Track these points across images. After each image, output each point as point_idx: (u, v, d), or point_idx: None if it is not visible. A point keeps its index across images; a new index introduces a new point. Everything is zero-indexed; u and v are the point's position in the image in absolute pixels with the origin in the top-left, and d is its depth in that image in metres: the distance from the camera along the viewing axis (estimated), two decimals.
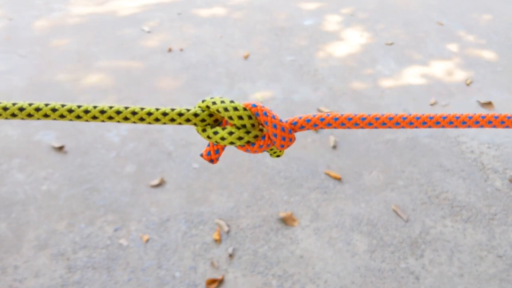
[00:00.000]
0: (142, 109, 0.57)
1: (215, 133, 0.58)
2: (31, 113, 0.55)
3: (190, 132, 2.38)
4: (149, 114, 0.57)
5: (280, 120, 0.58)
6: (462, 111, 2.77)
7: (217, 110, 0.57)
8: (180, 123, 0.58)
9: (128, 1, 4.01)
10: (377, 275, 1.72)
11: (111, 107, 0.56)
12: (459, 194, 2.08)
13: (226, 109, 0.57)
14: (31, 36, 3.35)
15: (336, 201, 2.02)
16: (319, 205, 2.00)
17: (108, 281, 1.67)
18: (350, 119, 0.59)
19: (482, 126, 0.60)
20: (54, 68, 2.95)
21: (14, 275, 1.67)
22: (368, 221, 1.94)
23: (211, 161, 0.61)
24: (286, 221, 1.91)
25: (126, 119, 0.57)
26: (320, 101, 2.71)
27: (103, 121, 0.56)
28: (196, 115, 0.58)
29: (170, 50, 3.21)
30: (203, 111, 0.58)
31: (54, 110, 0.55)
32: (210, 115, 0.59)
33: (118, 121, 0.56)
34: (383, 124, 0.59)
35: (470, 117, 0.60)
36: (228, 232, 1.86)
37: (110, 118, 0.56)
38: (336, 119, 0.59)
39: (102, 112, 0.56)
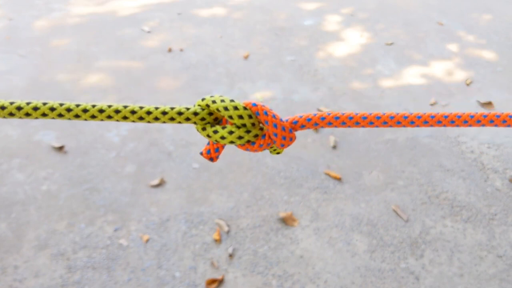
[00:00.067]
0: (141, 108, 0.56)
1: (215, 132, 0.58)
2: (29, 112, 0.54)
3: (190, 132, 2.38)
4: (149, 113, 0.56)
5: (281, 120, 0.58)
6: (462, 111, 2.78)
7: (217, 109, 0.57)
8: (179, 122, 0.57)
9: (128, 1, 4.01)
10: (377, 275, 1.72)
11: (110, 106, 0.56)
12: (459, 194, 2.08)
13: (226, 108, 0.56)
14: (31, 36, 3.35)
15: (336, 201, 2.02)
16: (319, 205, 2.00)
17: (108, 281, 1.67)
18: (351, 118, 0.59)
19: (483, 125, 0.60)
20: (54, 68, 2.95)
21: (14, 275, 1.67)
22: (368, 221, 1.94)
23: (211, 159, 0.60)
24: (286, 221, 1.91)
25: (125, 118, 0.56)
26: (320, 101, 2.71)
27: (102, 120, 0.55)
28: (195, 113, 0.57)
29: (170, 50, 3.21)
30: (203, 109, 0.58)
31: (52, 109, 0.54)
32: (210, 113, 0.58)
33: (117, 120, 0.56)
34: (384, 123, 0.59)
35: (472, 116, 0.60)
36: (228, 232, 1.86)
37: (109, 117, 0.56)
38: (337, 118, 0.59)
39: (101, 111, 0.55)
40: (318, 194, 2.05)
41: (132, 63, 3.04)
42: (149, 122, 0.57)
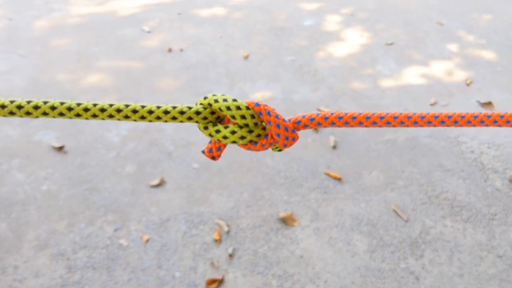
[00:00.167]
0: (143, 107, 0.56)
1: (217, 131, 0.57)
2: (30, 111, 0.53)
3: (190, 132, 2.38)
4: (150, 112, 0.56)
5: (283, 120, 0.58)
6: (462, 111, 2.78)
7: (219, 109, 0.56)
8: (181, 121, 0.57)
9: (128, 1, 4.01)
10: (377, 275, 1.72)
11: (111, 105, 0.55)
12: (459, 194, 2.08)
13: (228, 108, 0.56)
14: (31, 36, 3.35)
15: (336, 201, 2.02)
16: (319, 205, 2.00)
17: (108, 281, 1.67)
18: (354, 118, 0.59)
19: (487, 126, 0.59)
20: (54, 68, 2.95)
21: (14, 275, 1.67)
22: (368, 221, 1.94)
23: (213, 158, 0.60)
24: (286, 221, 1.91)
25: (126, 117, 0.55)
26: (320, 101, 2.71)
27: (103, 119, 0.55)
28: (197, 113, 0.57)
29: (170, 50, 3.21)
30: (205, 108, 0.57)
31: (53, 108, 0.54)
32: (212, 112, 0.58)
33: (119, 119, 0.55)
34: (388, 123, 0.58)
35: (476, 116, 0.59)
36: (228, 232, 1.86)
37: (111, 116, 0.55)
38: (340, 118, 0.59)
39: (102, 110, 0.55)
40: (318, 194, 2.05)
41: (132, 63, 3.04)
42: (150, 121, 0.56)
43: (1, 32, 3.41)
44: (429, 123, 0.59)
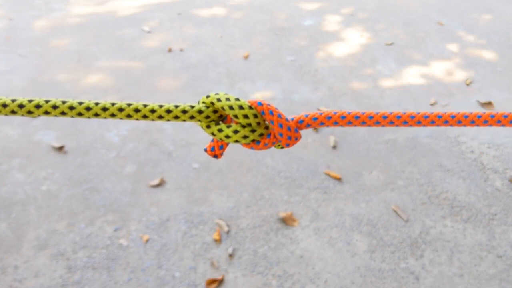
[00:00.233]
0: (145, 106, 0.55)
1: (220, 130, 0.57)
2: (32, 110, 0.53)
3: (190, 132, 2.38)
4: (153, 111, 0.55)
5: (286, 119, 0.57)
6: (462, 111, 2.78)
7: (222, 108, 0.56)
8: (184, 120, 0.56)
9: (128, 1, 4.01)
10: (377, 275, 1.72)
11: (113, 104, 0.54)
12: (459, 194, 2.08)
13: (231, 107, 0.55)
14: (31, 36, 3.35)
15: (336, 201, 2.02)
16: (319, 205, 2.00)
17: (108, 281, 1.67)
18: (357, 117, 0.58)
19: (491, 125, 0.59)
20: (54, 68, 2.95)
21: (14, 275, 1.67)
22: (368, 221, 1.94)
23: (215, 156, 0.60)
24: (286, 221, 1.91)
25: (129, 116, 0.55)
26: (320, 101, 2.71)
27: (105, 118, 0.54)
28: (200, 111, 0.57)
29: (170, 50, 3.21)
30: (208, 107, 0.57)
31: (55, 107, 0.53)
32: (215, 111, 0.57)
33: (121, 118, 0.55)
34: (391, 123, 0.58)
35: (480, 116, 0.59)
36: (228, 232, 1.86)
37: (113, 115, 0.54)
38: (343, 117, 0.58)
39: (104, 109, 0.54)
40: (318, 194, 2.05)
41: (132, 63, 3.04)
42: (153, 120, 0.56)
43: (1, 32, 3.41)
44: (432, 122, 0.59)
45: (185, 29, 3.54)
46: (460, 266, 1.76)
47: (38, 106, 0.53)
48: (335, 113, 0.59)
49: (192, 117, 0.56)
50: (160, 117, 0.56)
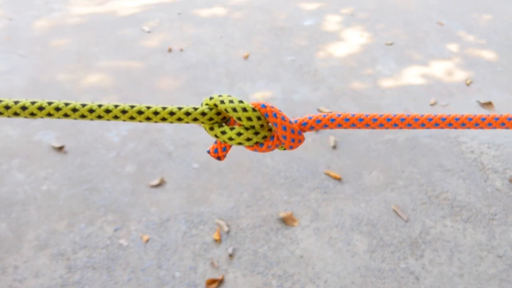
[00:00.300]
0: (148, 108, 0.55)
1: (223, 132, 0.57)
2: (34, 112, 0.53)
3: (190, 132, 2.38)
4: (156, 113, 0.55)
5: (290, 122, 0.57)
6: (462, 111, 2.78)
7: (225, 110, 0.56)
8: (187, 122, 0.56)
9: (128, 1, 4.01)
10: (377, 275, 1.72)
11: (116, 106, 0.54)
12: (459, 194, 2.08)
13: (234, 110, 0.55)
14: (31, 36, 3.35)
15: (336, 201, 2.02)
16: (319, 205, 2.00)
17: (108, 281, 1.67)
18: (361, 119, 0.58)
19: (495, 128, 0.59)
20: (54, 68, 2.95)
21: (14, 275, 1.67)
22: (368, 221, 1.94)
23: (218, 158, 0.60)
24: (286, 221, 1.91)
25: (132, 118, 0.54)
26: (320, 101, 2.71)
27: (108, 120, 0.54)
28: (203, 114, 0.56)
29: (170, 50, 3.21)
30: (211, 109, 0.57)
31: (57, 109, 0.53)
32: (218, 113, 0.57)
33: (124, 120, 0.54)
34: (395, 125, 0.58)
35: (484, 119, 0.59)
36: (228, 232, 1.86)
37: (116, 117, 0.54)
38: (347, 119, 0.58)
39: (107, 111, 0.54)
40: (318, 194, 2.05)
41: (132, 63, 3.04)
42: (156, 122, 0.56)
43: (1, 32, 3.41)
44: (436, 125, 0.58)
45: (185, 29, 3.54)
46: (460, 266, 1.76)
47: (41, 108, 0.53)
48: (339, 115, 0.58)
49: (195, 119, 0.56)
50: (164, 119, 0.55)
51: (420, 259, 1.78)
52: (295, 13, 3.87)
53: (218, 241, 1.82)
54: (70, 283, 1.66)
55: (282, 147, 0.60)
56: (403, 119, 0.58)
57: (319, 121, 0.59)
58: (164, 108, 0.55)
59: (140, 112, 0.55)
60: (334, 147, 2.33)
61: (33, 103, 0.53)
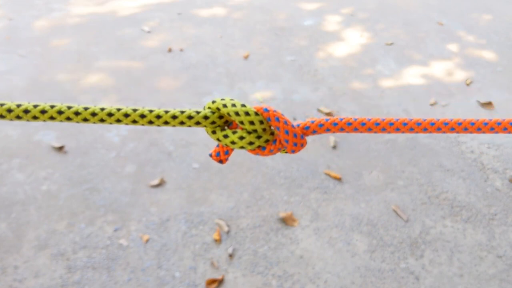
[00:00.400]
0: (151, 111, 0.55)
1: (225, 136, 0.57)
2: (37, 115, 0.53)
3: (190, 132, 2.38)
4: (158, 117, 0.55)
5: (292, 126, 0.57)
6: (462, 111, 2.78)
7: (228, 114, 0.56)
8: (189, 126, 0.56)
9: (128, 1, 4.01)
10: (377, 275, 1.72)
11: (119, 110, 0.54)
12: (459, 194, 2.08)
13: (237, 114, 0.55)
14: (31, 36, 3.35)
15: (336, 201, 2.02)
16: (319, 205, 2.00)
17: (108, 281, 1.67)
18: (364, 123, 0.58)
19: (497, 133, 0.59)
20: (54, 68, 2.95)
21: (14, 275, 1.67)
22: (368, 221, 1.94)
23: (220, 161, 0.60)
24: (286, 221, 1.91)
25: (134, 122, 0.55)
26: (320, 101, 2.71)
27: (110, 123, 0.54)
28: (206, 117, 0.56)
29: (170, 50, 3.21)
30: (213, 113, 0.57)
31: (60, 112, 0.53)
32: (220, 117, 0.57)
33: (126, 124, 0.55)
34: (397, 130, 0.58)
35: (486, 123, 0.59)
36: (228, 232, 1.86)
37: (118, 121, 0.54)
38: (350, 123, 0.58)
39: (110, 115, 0.54)
40: (318, 194, 2.05)
41: (132, 63, 3.04)
42: (158, 126, 0.56)
43: (1, 32, 3.41)
44: (438, 129, 0.58)
45: (185, 29, 3.54)
46: (460, 266, 1.76)
47: (43, 111, 0.53)
48: (341, 119, 0.59)
49: (198, 123, 0.56)
50: (166, 123, 0.56)
51: (420, 259, 1.78)
52: (295, 13, 3.87)
53: (218, 241, 1.82)
54: (70, 283, 1.66)
55: (284, 150, 0.60)
56: (405, 124, 0.58)
57: (321, 125, 0.59)
58: (166, 112, 0.56)
59: (142, 116, 0.55)
60: (334, 147, 2.33)
61: (35, 106, 0.53)
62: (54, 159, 2.19)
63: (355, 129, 0.58)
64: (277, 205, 1.99)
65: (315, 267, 1.74)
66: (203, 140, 2.33)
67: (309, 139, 2.37)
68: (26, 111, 0.53)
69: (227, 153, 0.59)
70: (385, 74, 3.01)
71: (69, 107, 0.53)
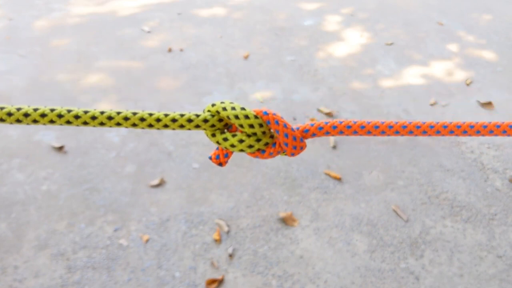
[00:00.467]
0: (150, 115, 0.55)
1: (225, 139, 0.57)
2: (37, 118, 0.53)
3: (190, 132, 2.38)
4: (158, 120, 0.55)
5: (292, 129, 0.58)
6: (462, 111, 2.77)
7: (228, 117, 0.56)
8: (189, 129, 0.57)
9: (128, 1, 4.01)
10: (377, 275, 1.72)
11: (119, 113, 0.54)
12: (459, 194, 2.08)
13: (236, 117, 0.56)
14: (31, 36, 3.35)
15: (336, 201, 2.02)
16: (319, 205, 2.00)
17: (108, 281, 1.67)
18: (363, 127, 0.58)
19: (496, 135, 0.59)
20: (54, 68, 2.95)
21: (14, 275, 1.67)
22: (368, 221, 1.94)
23: (220, 164, 0.60)
24: (286, 221, 1.91)
25: (134, 125, 0.55)
26: (320, 101, 2.71)
27: (110, 127, 0.55)
28: (205, 120, 0.57)
29: (170, 50, 3.21)
30: (213, 116, 0.57)
31: (60, 116, 0.53)
32: (220, 120, 0.57)
33: (126, 127, 0.55)
34: (397, 133, 0.58)
35: (485, 126, 0.59)
36: (228, 232, 1.86)
37: (118, 124, 0.55)
38: (349, 127, 0.58)
39: (110, 118, 0.54)
40: (318, 194, 2.05)
41: (132, 63, 3.04)
42: (158, 129, 0.56)
43: (1, 32, 3.41)
44: (438, 132, 0.59)
45: (185, 29, 3.54)
46: (460, 266, 1.76)
47: (43, 115, 0.53)
48: (341, 122, 0.59)
49: (197, 126, 0.57)
50: (166, 126, 0.56)
51: (420, 259, 1.78)
52: (295, 13, 3.87)
53: (218, 241, 1.82)
54: (70, 283, 1.66)
55: (283, 153, 0.60)
56: (404, 126, 0.58)
57: (321, 128, 0.59)
58: (166, 115, 0.56)
59: (142, 119, 0.55)
60: (334, 147, 2.33)
61: (35, 109, 0.53)
62: (54, 159, 2.19)
63: (355, 132, 0.58)
64: (277, 205, 1.99)
65: (315, 267, 1.74)
66: (203, 140, 2.33)
67: (309, 139, 2.37)
68: (26, 115, 0.53)
69: (227, 156, 0.60)
70: (385, 74, 3.01)
71: (69, 111, 0.53)
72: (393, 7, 4.04)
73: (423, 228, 1.91)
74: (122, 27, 3.52)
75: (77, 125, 0.54)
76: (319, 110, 2.61)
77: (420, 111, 2.66)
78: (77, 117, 0.53)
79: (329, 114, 2.59)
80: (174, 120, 0.56)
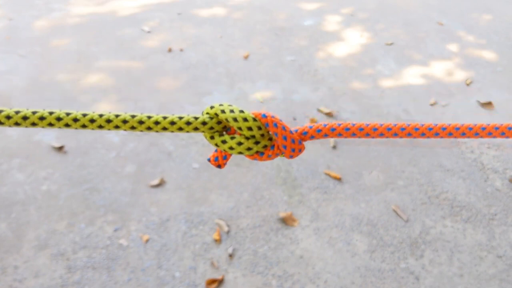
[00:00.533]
0: (149, 117, 0.55)
1: (224, 142, 0.57)
2: (35, 121, 0.53)
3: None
4: (157, 123, 0.56)
5: (290, 131, 0.58)
6: (462, 111, 2.77)
7: (226, 119, 0.56)
8: (188, 131, 0.57)
9: (128, 1, 4.01)
10: (377, 275, 1.72)
11: (117, 116, 0.55)
12: (459, 194, 2.08)
13: (235, 119, 0.56)
14: (31, 36, 3.35)
15: (336, 201, 2.02)
16: (319, 205, 2.00)
17: (108, 281, 1.67)
18: (361, 129, 0.58)
19: (495, 137, 0.60)
20: (54, 68, 2.95)
21: (14, 275, 1.67)
22: (368, 221, 1.94)
23: (219, 166, 0.60)
24: (286, 221, 1.91)
25: (132, 128, 0.55)
26: (320, 101, 2.71)
27: (109, 129, 0.55)
28: (204, 123, 0.57)
29: (170, 50, 3.21)
30: (211, 118, 0.57)
31: (59, 119, 0.53)
32: (219, 122, 0.58)
33: (125, 130, 0.55)
34: (395, 135, 0.58)
35: (484, 128, 0.59)
36: (228, 232, 1.86)
37: (117, 127, 0.55)
38: (347, 129, 0.59)
39: (108, 121, 0.54)
40: (318, 194, 2.05)
41: (132, 63, 3.04)
42: (157, 132, 0.56)
43: (1, 32, 3.41)
44: (436, 134, 0.59)
45: (185, 29, 3.54)
46: (460, 266, 1.76)
47: (42, 118, 0.53)
48: (339, 124, 0.59)
49: (196, 129, 0.57)
50: (164, 128, 0.56)
51: (420, 259, 1.78)
52: (295, 13, 3.87)
53: (218, 241, 1.82)
54: (70, 283, 1.66)
55: (282, 155, 0.60)
56: (403, 129, 0.59)
57: (319, 130, 0.59)
58: (165, 118, 0.56)
59: (141, 122, 0.55)
60: (334, 147, 2.33)
61: (34, 112, 0.53)
62: (54, 159, 2.19)
63: (353, 134, 0.59)
64: (277, 205, 1.99)
65: (315, 267, 1.74)
66: (203, 140, 2.33)
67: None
68: (25, 118, 0.53)
69: (226, 158, 0.60)
70: (385, 74, 3.01)
71: (67, 114, 0.54)
72: (393, 7, 4.04)
73: (423, 228, 1.91)
74: (122, 27, 3.52)
75: (76, 128, 0.54)
76: (319, 110, 2.61)
77: (420, 111, 2.66)
78: (75, 120, 0.54)
79: (329, 114, 2.59)
80: (172, 123, 0.56)
